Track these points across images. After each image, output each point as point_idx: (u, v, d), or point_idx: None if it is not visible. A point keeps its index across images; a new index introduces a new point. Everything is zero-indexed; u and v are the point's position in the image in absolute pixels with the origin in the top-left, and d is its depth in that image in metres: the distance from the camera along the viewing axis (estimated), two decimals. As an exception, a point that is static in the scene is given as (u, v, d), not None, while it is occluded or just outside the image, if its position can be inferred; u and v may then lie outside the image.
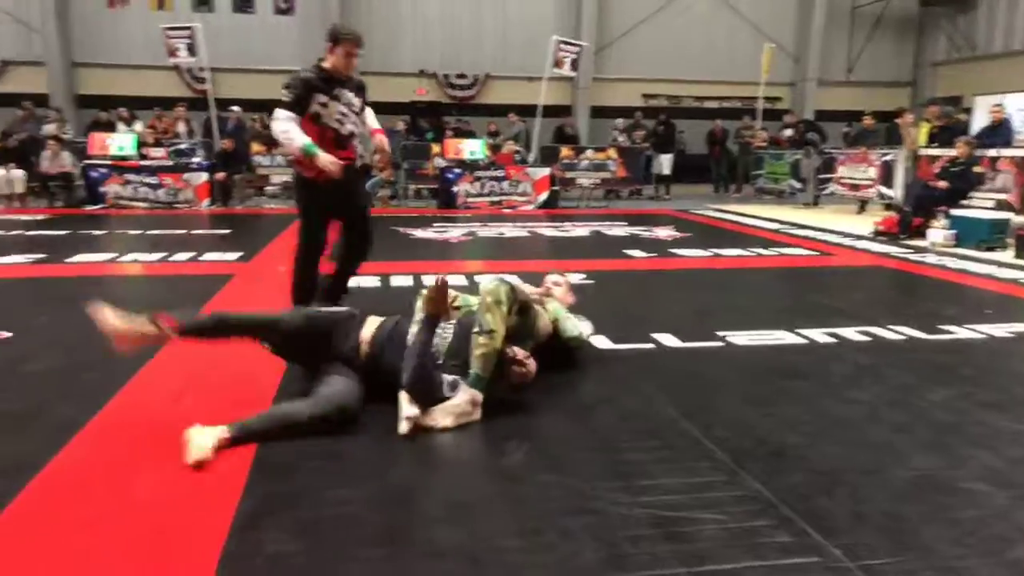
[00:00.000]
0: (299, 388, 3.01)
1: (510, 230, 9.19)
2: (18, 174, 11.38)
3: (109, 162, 11.62)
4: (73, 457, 2.52)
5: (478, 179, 12.20)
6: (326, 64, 4.05)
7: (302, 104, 3.97)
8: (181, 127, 13.89)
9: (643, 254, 7.27)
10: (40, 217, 10.12)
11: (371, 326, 3.06)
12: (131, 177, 11.46)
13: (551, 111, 14.61)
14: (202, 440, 2.48)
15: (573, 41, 14.09)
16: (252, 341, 3.02)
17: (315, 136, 3.99)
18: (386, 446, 2.63)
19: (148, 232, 8.58)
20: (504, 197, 12.26)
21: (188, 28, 12.95)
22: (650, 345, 3.97)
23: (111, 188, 11.39)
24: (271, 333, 3.00)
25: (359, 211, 4.42)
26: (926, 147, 11.31)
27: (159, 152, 12.12)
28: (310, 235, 4.29)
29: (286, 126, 3.94)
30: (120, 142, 12.11)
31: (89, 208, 11.15)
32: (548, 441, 2.70)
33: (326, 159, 3.94)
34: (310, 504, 2.21)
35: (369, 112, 4.42)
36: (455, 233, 8.81)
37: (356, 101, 4.18)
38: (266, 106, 15.32)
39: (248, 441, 2.58)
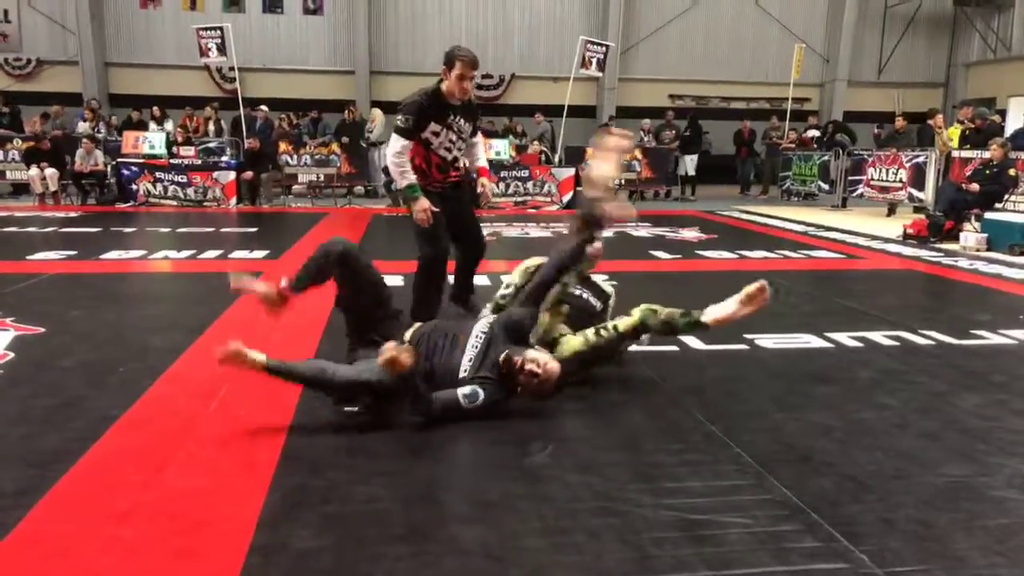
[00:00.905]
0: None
1: (535, 230, 9.19)
2: (51, 172, 11.62)
3: (141, 160, 11.82)
4: (107, 449, 2.57)
5: (503, 179, 12.22)
6: (443, 87, 3.98)
7: (417, 131, 3.97)
8: (211, 126, 14.08)
9: (668, 256, 7.24)
10: (73, 215, 10.33)
11: (409, 331, 3.09)
12: (161, 175, 11.65)
13: (576, 111, 14.59)
14: (238, 347, 2.68)
15: (600, 41, 14.06)
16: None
17: (421, 159, 4.04)
18: (412, 444, 2.65)
19: (178, 230, 8.72)
20: (528, 197, 12.27)
21: (219, 28, 13.13)
22: (675, 348, 3.95)
23: (142, 186, 11.59)
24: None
25: (466, 223, 4.40)
26: (958, 149, 11.14)
27: (189, 151, 12.29)
28: (432, 247, 4.18)
29: (400, 159, 3.97)
30: (151, 141, 12.30)
31: (120, 206, 11.35)
32: (573, 441, 2.71)
33: (419, 208, 3.98)
34: (337, 499, 2.24)
35: (479, 142, 4.41)
36: (480, 233, 8.82)
37: (467, 127, 4.14)
38: (294, 105, 15.73)
39: (279, 374, 2.74)
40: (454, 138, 4.09)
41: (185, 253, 6.96)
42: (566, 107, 13.59)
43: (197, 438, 2.67)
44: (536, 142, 14.19)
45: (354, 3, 17.36)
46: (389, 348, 2.62)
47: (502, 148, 12.81)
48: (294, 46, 17.76)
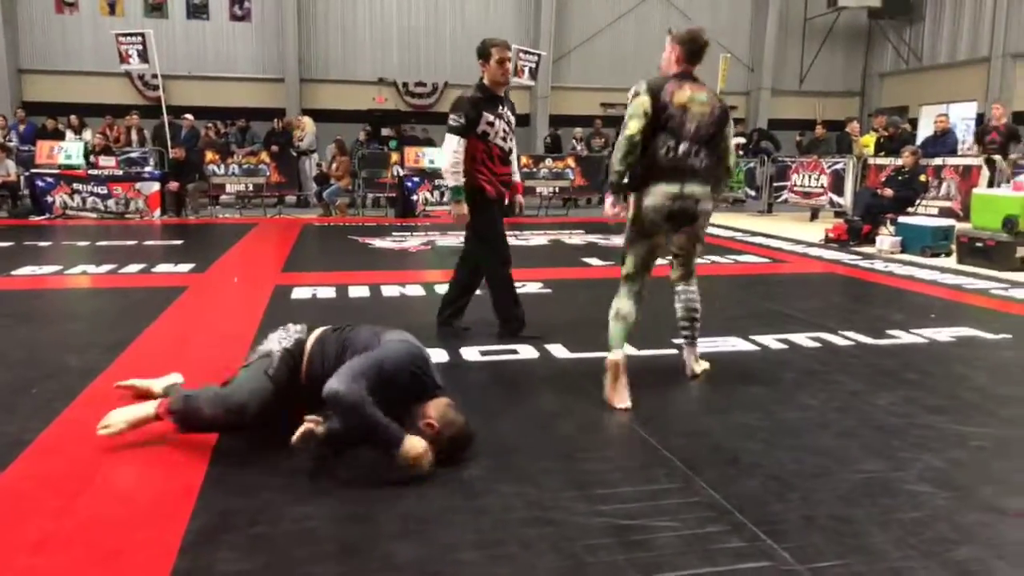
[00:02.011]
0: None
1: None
2: (-41, 183, 11.03)
3: (56, 171, 11.32)
4: (18, 476, 2.45)
5: (437, 187, 12.18)
6: (485, 81, 4.08)
7: (472, 126, 3.99)
8: (133, 135, 13.61)
9: (601, 262, 7.34)
10: (-16, 228, 9.82)
11: (312, 338, 2.78)
12: (79, 187, 11.18)
13: (510, 120, 14.66)
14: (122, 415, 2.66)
15: (532, 50, 14.18)
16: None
17: (482, 153, 4.04)
18: (345, 462, 2.60)
19: (97, 243, 8.38)
20: (463, 205, 12.25)
21: (140, 34, 12.69)
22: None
23: (58, 198, 11.10)
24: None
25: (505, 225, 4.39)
26: (874, 156, 11.65)
27: (109, 161, 11.83)
28: (501, 251, 4.22)
29: (455, 158, 3.98)
30: (68, 151, 11.79)
31: (35, 219, 10.85)
32: (507, 452, 2.71)
33: (458, 212, 4.04)
34: (266, 520, 2.19)
35: (516, 155, 4.35)
36: (414, 242, 8.79)
37: (512, 119, 4.14)
38: (221, 114, 15.36)
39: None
40: (507, 128, 4.13)
41: (105, 268, 6.70)
42: (499, 115, 13.66)
43: (115, 462, 2.56)
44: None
45: (283, 10, 17.09)
46: (416, 457, 2.40)
47: (435, 156, 12.75)
48: (221, 53, 17.36)
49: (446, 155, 4.01)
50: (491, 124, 4.05)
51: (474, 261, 4.35)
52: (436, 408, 2.54)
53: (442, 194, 12.17)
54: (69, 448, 2.67)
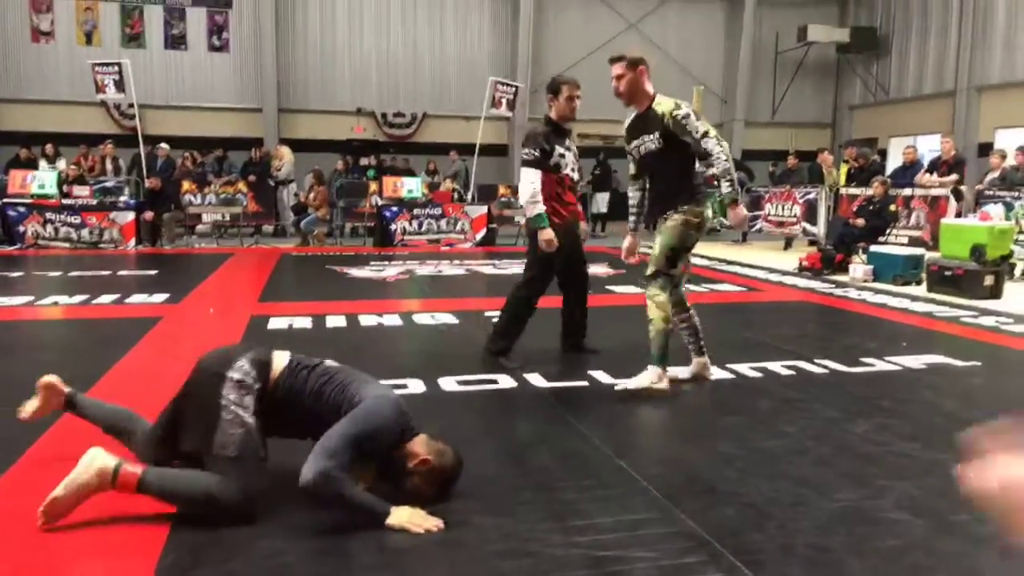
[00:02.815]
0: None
1: (448, 268, 9.20)
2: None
3: (29, 201, 11.18)
4: (-18, 515, 2.38)
5: (416, 217, 12.22)
6: (552, 115, 4.28)
7: (546, 158, 4.17)
8: (108, 164, 13.52)
9: (579, 291, 7.35)
10: (-47, 258, 9.65)
11: (279, 365, 2.55)
12: (52, 216, 11.05)
13: (488, 150, 14.79)
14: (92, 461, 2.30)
15: (509, 82, 14.35)
16: None
17: (554, 184, 4.22)
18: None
19: (70, 274, 8.27)
20: (442, 235, 12.29)
21: (117, 64, 12.68)
22: (585, 383, 4.01)
23: (30, 228, 10.96)
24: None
25: (578, 253, 4.50)
26: (845, 186, 11.88)
27: (83, 191, 11.72)
28: (543, 278, 4.38)
29: (533, 189, 4.17)
30: (41, 180, 11.67)
31: (5, 249, 10.69)
32: (484, 483, 2.69)
33: (545, 239, 4.17)
34: (239, 557, 2.14)
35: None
36: (392, 271, 8.77)
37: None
38: (198, 143, 15.32)
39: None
40: (575, 159, 4.34)
41: (77, 298, 6.60)
42: (478, 146, 13.77)
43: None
44: (449, 180, 14.27)
45: (262, 40, 17.15)
46: (408, 523, 2.31)
47: (414, 186, 12.82)
48: (199, 83, 17.34)
49: (524, 187, 4.20)
50: (562, 156, 4.26)
51: (562, 279, 4.48)
52: (422, 445, 2.49)
53: (420, 223, 12.21)
54: (38, 483, 2.60)
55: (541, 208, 4.18)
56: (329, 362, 2.63)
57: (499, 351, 4.34)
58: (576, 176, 4.39)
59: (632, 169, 4.04)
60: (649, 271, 3.86)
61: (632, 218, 4.12)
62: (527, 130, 4.38)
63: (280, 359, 2.56)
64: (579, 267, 4.53)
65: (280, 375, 2.50)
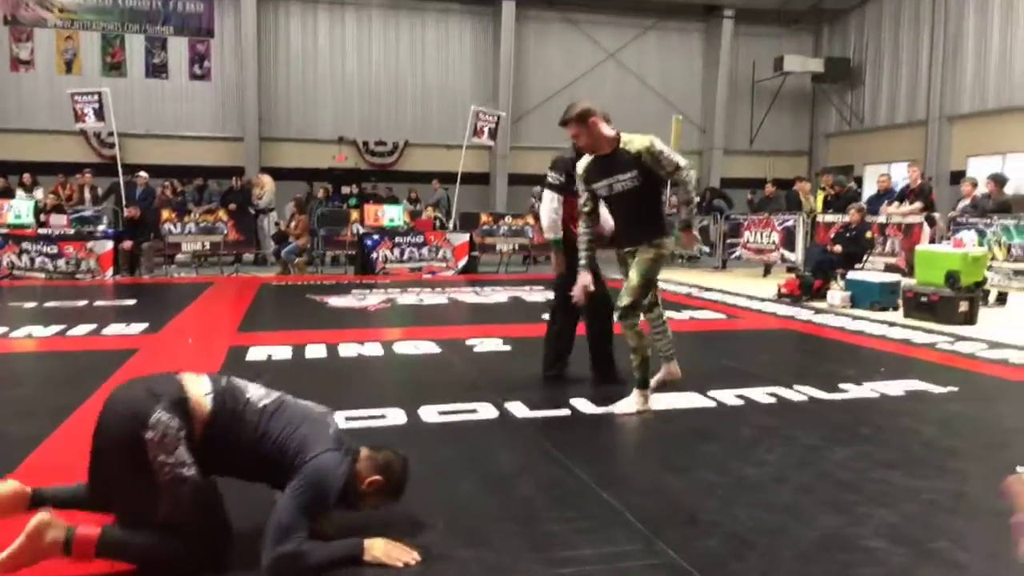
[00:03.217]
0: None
1: (429, 296, 9.18)
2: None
3: (4, 231, 11.05)
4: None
5: (397, 245, 12.21)
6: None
7: (572, 184, 4.19)
8: (86, 193, 13.42)
9: (561, 319, 7.36)
10: (-75, 288, 9.49)
11: (197, 393, 2.32)
12: (28, 246, 10.93)
13: (470, 178, 14.86)
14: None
15: (491, 111, 14.48)
16: None
17: (575, 209, 4.19)
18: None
19: (45, 305, 8.15)
20: (424, 263, 12.29)
21: (97, 93, 12.66)
22: (566, 411, 4.00)
23: (4, 258, 10.82)
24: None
25: (600, 278, 4.47)
26: (821, 213, 12.04)
27: (61, 220, 11.62)
28: (562, 304, 4.49)
29: (553, 214, 4.31)
30: (17, 209, 11.55)
31: (-20, 279, 10.54)
32: (465, 514, 2.67)
33: (558, 261, 4.39)
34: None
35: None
36: (373, 300, 8.74)
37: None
38: (179, 172, 15.28)
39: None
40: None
41: (52, 329, 6.50)
42: (459, 174, 13.84)
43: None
44: (431, 207, 14.31)
45: (243, 69, 17.23)
46: (383, 555, 2.28)
47: (396, 215, 12.83)
48: (179, 111, 17.37)
49: (545, 210, 4.36)
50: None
51: (593, 308, 4.47)
52: (367, 463, 2.43)
53: (402, 252, 12.20)
54: (9, 523, 2.54)
55: (559, 233, 4.35)
56: (255, 390, 2.45)
57: (550, 371, 4.59)
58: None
59: (587, 207, 4.04)
60: (626, 302, 3.91)
61: (586, 256, 4.06)
62: (555, 156, 4.52)
63: (197, 386, 2.33)
64: (599, 292, 4.50)
65: (210, 415, 2.29)
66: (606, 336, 4.60)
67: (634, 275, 3.94)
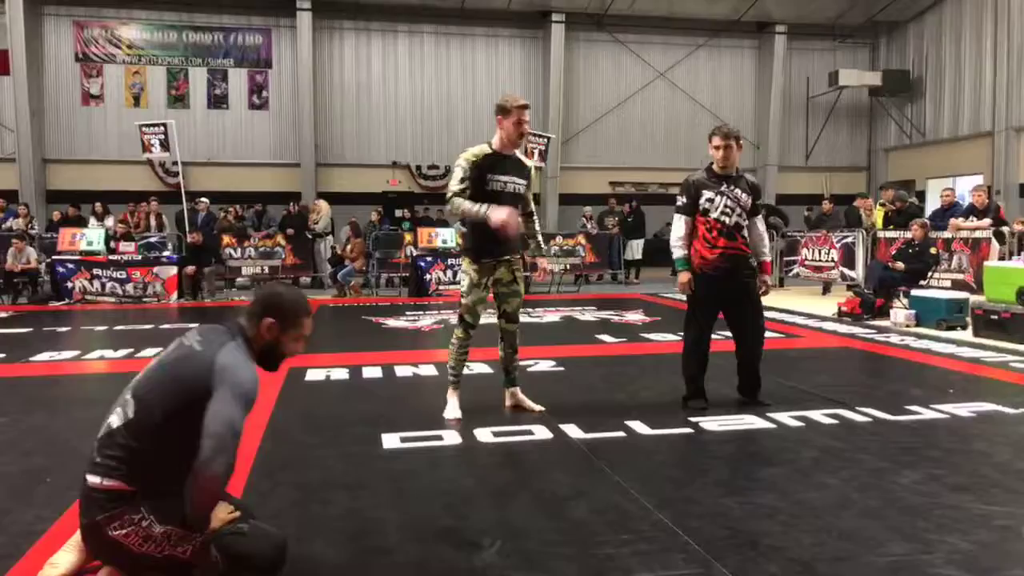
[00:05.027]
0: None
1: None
2: (-21, 271, 11.26)
3: (77, 257, 11.57)
4: (31, 566, 2.42)
5: (450, 267, 12.33)
6: (715, 166, 4.54)
7: (694, 204, 4.47)
8: (152, 220, 13.96)
9: (613, 339, 7.33)
10: (2, 315, 9.96)
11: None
12: (99, 272, 11.40)
13: (521, 199, 14.91)
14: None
15: (541, 133, 14.56)
16: None
17: (702, 227, 4.45)
18: (359, 543, 2.56)
19: (115, 328, 8.48)
20: (476, 284, 12.35)
21: (162, 125, 13.21)
22: (622, 433, 3.97)
23: (78, 283, 11.31)
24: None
25: (750, 300, 4.57)
26: (883, 230, 11.72)
27: (129, 246, 12.10)
28: (691, 322, 4.64)
29: (678, 235, 4.53)
30: (89, 237, 12.09)
31: (54, 304, 11.02)
32: (522, 536, 2.66)
33: (681, 280, 4.54)
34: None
35: (763, 233, 4.64)
36: (426, 321, 8.83)
37: (745, 198, 4.46)
38: (239, 198, 15.76)
39: None
40: (731, 204, 4.44)
41: (122, 352, 6.76)
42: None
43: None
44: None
45: (299, 98, 17.72)
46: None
47: (448, 237, 12.97)
48: (239, 140, 17.94)
49: (673, 231, 4.58)
50: (711, 200, 4.44)
51: (729, 323, 4.65)
52: (251, 322, 2.36)
53: (455, 273, 12.30)
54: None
55: (681, 253, 4.51)
56: (115, 419, 2.43)
57: (684, 397, 4.57)
58: (732, 221, 4.45)
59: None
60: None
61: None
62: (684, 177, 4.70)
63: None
64: (744, 310, 4.56)
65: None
66: (756, 358, 4.65)
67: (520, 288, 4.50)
